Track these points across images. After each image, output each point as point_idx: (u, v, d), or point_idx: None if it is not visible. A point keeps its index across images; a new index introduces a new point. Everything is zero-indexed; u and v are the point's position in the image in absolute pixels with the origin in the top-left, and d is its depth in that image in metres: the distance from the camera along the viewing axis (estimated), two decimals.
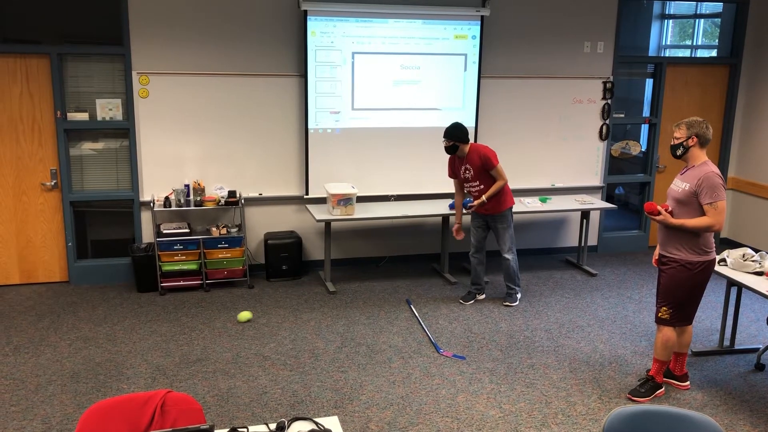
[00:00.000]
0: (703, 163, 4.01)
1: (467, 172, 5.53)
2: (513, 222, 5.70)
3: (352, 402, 4.13)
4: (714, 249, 4.09)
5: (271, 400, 4.15)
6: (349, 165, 6.40)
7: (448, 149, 5.49)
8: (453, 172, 5.68)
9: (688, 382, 4.42)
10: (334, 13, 6.04)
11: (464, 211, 5.81)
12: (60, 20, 5.76)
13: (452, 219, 6.21)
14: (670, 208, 4.10)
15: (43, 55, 5.71)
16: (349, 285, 6.21)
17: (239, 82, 6.08)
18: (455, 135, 5.43)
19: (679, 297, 4.12)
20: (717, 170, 3.96)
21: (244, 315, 5.33)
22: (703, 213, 3.95)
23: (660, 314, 4.20)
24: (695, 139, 4.00)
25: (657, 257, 4.26)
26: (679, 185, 4.07)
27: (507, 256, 5.69)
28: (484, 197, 5.48)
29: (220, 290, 6.03)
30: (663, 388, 4.33)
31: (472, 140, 6.56)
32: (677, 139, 4.07)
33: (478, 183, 5.52)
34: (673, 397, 4.28)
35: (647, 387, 4.28)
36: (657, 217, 4.07)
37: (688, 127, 4.01)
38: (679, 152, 4.08)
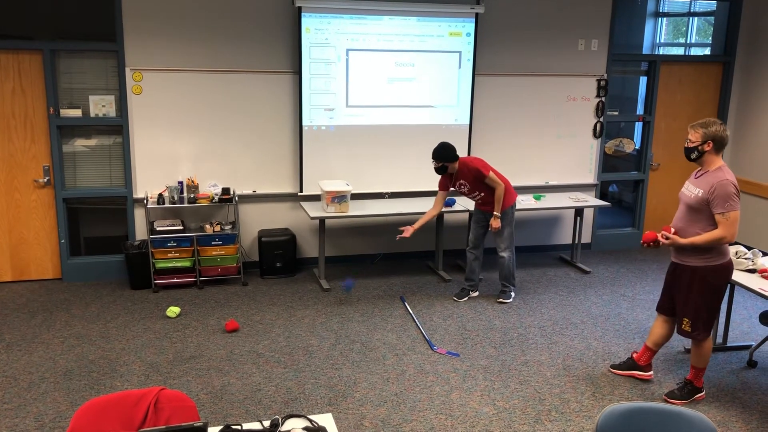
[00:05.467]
0: (718, 169, 3.86)
1: (463, 186, 5.53)
2: (514, 220, 5.71)
3: (346, 399, 4.13)
4: (728, 253, 3.98)
5: (265, 397, 4.14)
6: (344, 162, 6.40)
7: (438, 170, 5.47)
8: (444, 186, 5.61)
9: (651, 372, 4.44)
10: (328, 9, 6.03)
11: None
12: (53, 16, 5.72)
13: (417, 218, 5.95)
14: (673, 230, 4.00)
15: (36, 51, 5.68)
16: (343, 282, 6.20)
17: (233, 78, 6.07)
18: (443, 156, 5.41)
19: (698, 306, 4.00)
20: (732, 177, 3.82)
21: (173, 310, 5.33)
22: (714, 219, 3.83)
23: (683, 326, 4.09)
24: (711, 144, 3.84)
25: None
26: (692, 190, 3.94)
27: (503, 254, 5.69)
28: (494, 223, 5.49)
29: (213, 287, 6.02)
30: (703, 393, 4.24)
31: (468, 136, 6.59)
32: (692, 141, 3.90)
33: (477, 192, 5.54)
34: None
35: (685, 390, 4.21)
36: (666, 242, 3.96)
37: (705, 131, 3.84)
38: (693, 156, 3.91)
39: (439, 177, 5.62)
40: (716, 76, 7.43)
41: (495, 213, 5.50)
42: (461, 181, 5.51)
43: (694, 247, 3.92)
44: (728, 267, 4.00)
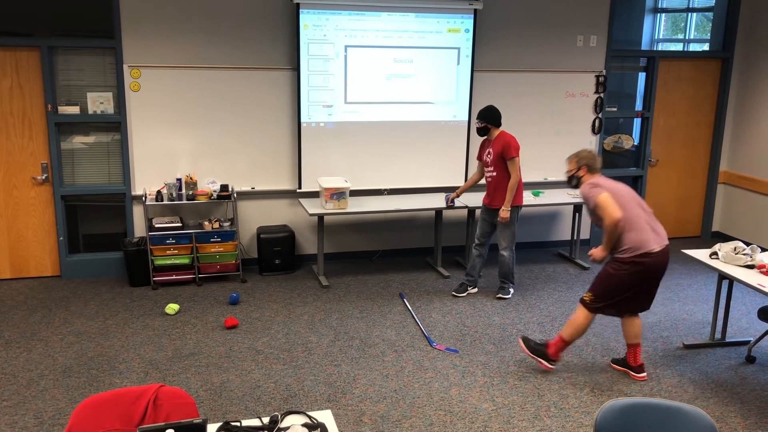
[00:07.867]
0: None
1: (488, 155, 5.60)
2: (517, 221, 5.72)
3: (345, 395, 4.14)
4: (642, 247, 4.12)
5: (265, 394, 4.15)
6: (342, 159, 6.39)
7: (479, 130, 5.60)
8: (480, 154, 5.77)
9: (644, 374, 4.42)
10: (326, 6, 6.01)
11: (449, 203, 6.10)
12: (51, 12, 5.71)
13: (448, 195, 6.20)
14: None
15: (34, 47, 5.67)
16: (342, 279, 6.21)
17: (232, 75, 6.06)
18: (487, 117, 5.54)
19: (604, 289, 4.27)
20: (594, 180, 4.27)
21: (172, 307, 5.33)
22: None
23: (584, 296, 4.37)
24: (585, 169, 4.38)
25: None
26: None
27: (504, 252, 5.70)
28: (503, 213, 5.54)
29: (212, 284, 6.02)
30: (553, 366, 4.48)
31: (467, 132, 6.58)
32: (569, 171, 4.45)
33: (492, 169, 5.57)
34: (665, 390, 4.30)
35: (541, 350, 4.46)
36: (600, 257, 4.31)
37: (577, 159, 4.40)
38: (573, 183, 4.45)
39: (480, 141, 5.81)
40: (715, 72, 7.43)
41: (504, 206, 5.52)
42: (490, 150, 5.58)
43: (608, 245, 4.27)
44: (640, 262, 4.15)
